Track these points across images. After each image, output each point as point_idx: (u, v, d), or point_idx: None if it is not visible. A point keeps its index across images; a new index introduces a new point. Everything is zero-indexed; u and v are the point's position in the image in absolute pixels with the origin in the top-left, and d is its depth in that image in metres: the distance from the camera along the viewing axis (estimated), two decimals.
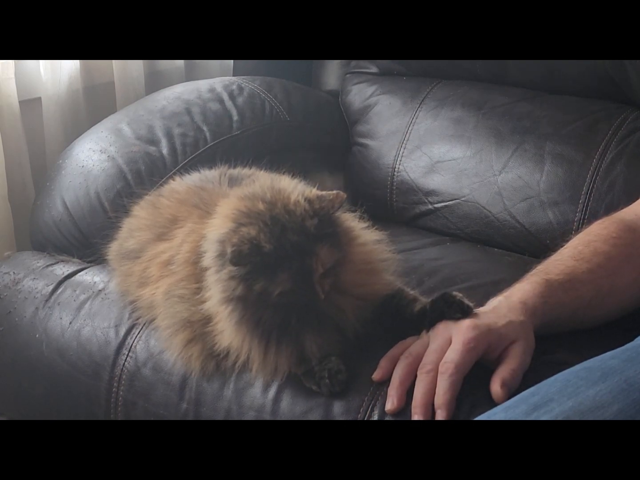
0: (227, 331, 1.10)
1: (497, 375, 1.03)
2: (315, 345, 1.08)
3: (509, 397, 0.98)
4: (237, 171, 1.30)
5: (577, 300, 1.11)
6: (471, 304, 1.10)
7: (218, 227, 1.09)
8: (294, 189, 1.11)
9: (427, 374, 1.04)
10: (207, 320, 1.12)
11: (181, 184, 1.30)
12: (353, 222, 1.16)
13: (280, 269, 1.04)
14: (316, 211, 1.07)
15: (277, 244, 1.04)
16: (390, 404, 1.05)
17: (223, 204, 1.13)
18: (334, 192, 1.09)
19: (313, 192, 1.10)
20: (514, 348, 1.05)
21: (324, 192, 1.10)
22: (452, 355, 1.03)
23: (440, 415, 1.01)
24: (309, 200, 1.08)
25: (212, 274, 1.09)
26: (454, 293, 1.11)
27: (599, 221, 1.23)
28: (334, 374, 1.09)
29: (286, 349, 1.08)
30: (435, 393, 1.02)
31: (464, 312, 1.09)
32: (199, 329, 1.13)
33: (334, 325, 1.10)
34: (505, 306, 1.09)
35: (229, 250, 1.04)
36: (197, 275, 1.14)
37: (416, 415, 1.02)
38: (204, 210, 1.18)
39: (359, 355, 1.12)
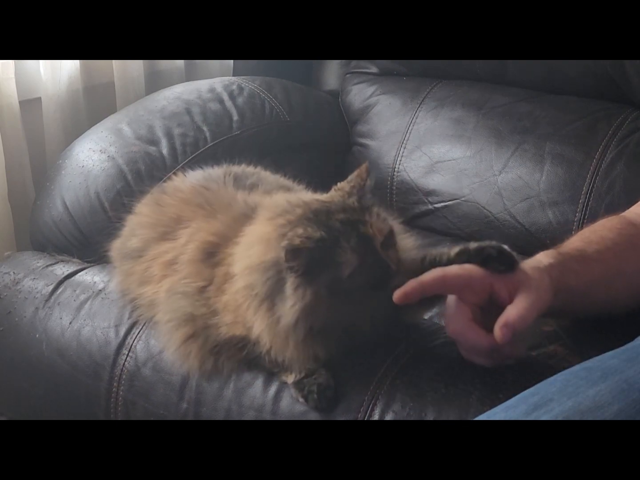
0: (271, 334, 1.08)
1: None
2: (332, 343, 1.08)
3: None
4: (242, 169, 1.30)
5: (589, 275, 1.11)
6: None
7: (260, 254, 1.06)
8: (292, 190, 1.12)
9: None
10: (212, 314, 1.12)
11: (185, 182, 1.30)
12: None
13: (339, 249, 1.03)
14: (351, 191, 1.08)
15: (326, 229, 1.03)
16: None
17: (253, 230, 1.10)
18: (356, 170, 1.11)
19: (338, 184, 1.11)
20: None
21: (349, 177, 1.11)
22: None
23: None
24: (340, 188, 1.10)
25: (272, 300, 1.06)
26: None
27: (602, 219, 1.24)
28: (323, 389, 1.09)
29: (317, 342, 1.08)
30: None
31: (511, 266, 1.06)
32: (201, 323, 1.13)
33: (350, 330, 1.09)
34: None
35: (282, 254, 1.02)
36: (202, 272, 1.13)
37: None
38: (208, 210, 1.19)
39: (358, 354, 1.12)
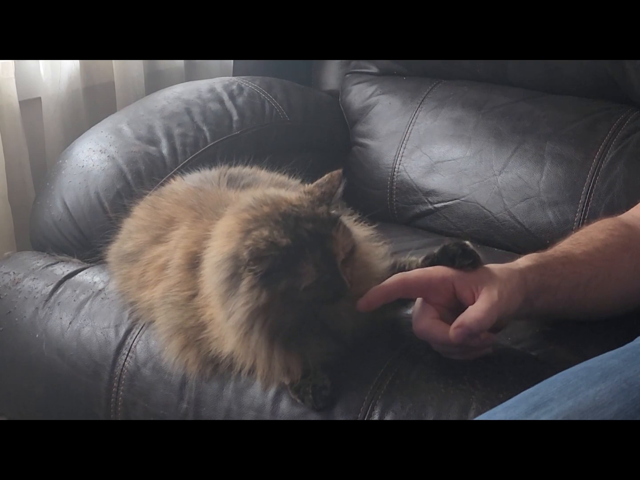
0: (233, 339, 1.08)
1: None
2: (317, 350, 1.08)
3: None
4: (238, 170, 1.30)
5: (576, 275, 1.11)
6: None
7: (220, 247, 1.06)
8: (289, 189, 1.11)
9: None
10: (201, 327, 1.12)
11: (181, 184, 1.30)
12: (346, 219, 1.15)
13: (302, 260, 1.02)
14: (321, 197, 1.07)
15: (293, 237, 1.02)
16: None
17: (218, 225, 1.09)
18: (327, 175, 1.09)
19: (307, 185, 1.10)
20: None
21: (318, 180, 1.10)
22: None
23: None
24: (310, 192, 1.08)
25: (227, 295, 1.05)
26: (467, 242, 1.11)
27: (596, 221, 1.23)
28: (318, 390, 1.08)
29: (292, 354, 1.07)
30: None
31: (475, 261, 1.08)
32: (192, 335, 1.13)
33: (333, 331, 1.09)
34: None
35: (245, 253, 1.01)
36: (189, 281, 1.13)
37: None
38: (198, 211, 1.18)
39: (357, 354, 1.12)
